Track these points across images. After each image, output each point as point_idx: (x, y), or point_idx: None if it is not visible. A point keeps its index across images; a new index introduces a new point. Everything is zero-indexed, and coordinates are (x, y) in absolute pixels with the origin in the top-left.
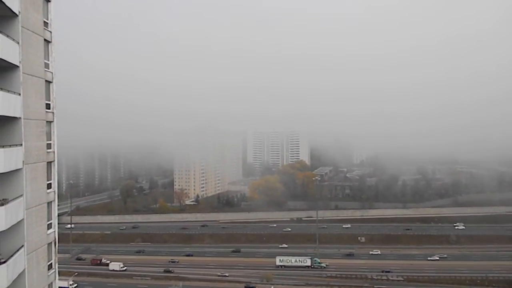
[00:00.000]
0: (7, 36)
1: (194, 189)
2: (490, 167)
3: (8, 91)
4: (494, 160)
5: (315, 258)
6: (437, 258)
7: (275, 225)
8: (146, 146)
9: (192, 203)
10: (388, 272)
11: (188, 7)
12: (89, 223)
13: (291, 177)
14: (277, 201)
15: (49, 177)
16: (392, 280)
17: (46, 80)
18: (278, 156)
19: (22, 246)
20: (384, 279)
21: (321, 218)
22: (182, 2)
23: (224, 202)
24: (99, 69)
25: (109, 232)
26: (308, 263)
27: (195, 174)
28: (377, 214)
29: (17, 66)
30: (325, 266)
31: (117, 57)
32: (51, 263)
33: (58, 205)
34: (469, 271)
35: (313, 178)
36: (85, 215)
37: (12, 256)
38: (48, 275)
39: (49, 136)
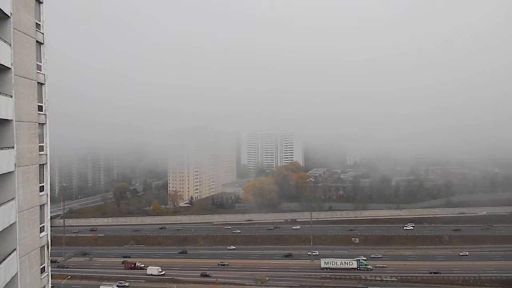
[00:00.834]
0: None
1: (188, 191)
2: (483, 168)
3: (0, 93)
4: (486, 161)
5: (362, 260)
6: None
7: (272, 227)
8: (140, 147)
9: (186, 205)
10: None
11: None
12: (83, 226)
13: (285, 179)
14: (271, 202)
15: (41, 180)
16: (386, 280)
17: (38, 82)
18: (272, 157)
19: (15, 249)
20: (378, 280)
21: (315, 219)
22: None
23: (218, 204)
24: (91, 71)
25: (102, 235)
26: (354, 265)
27: (189, 176)
28: (371, 215)
29: (9, 68)
30: (371, 268)
31: (111, 58)
32: (44, 267)
33: (50, 208)
34: (462, 271)
35: (307, 180)
36: (78, 217)
37: (4, 259)
38: (41, 279)
39: (41, 138)
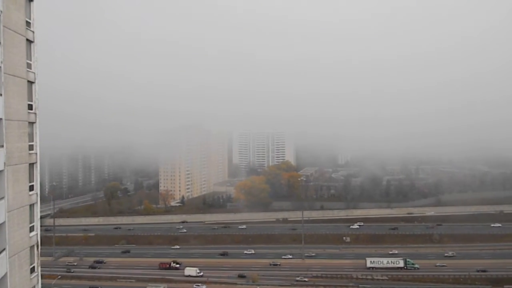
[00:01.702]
0: None
1: (180, 190)
2: (473, 167)
3: None
4: (476, 160)
5: (408, 259)
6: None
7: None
8: (131, 147)
9: (177, 204)
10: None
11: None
12: (73, 225)
13: (276, 178)
14: (262, 201)
15: (31, 179)
16: (377, 279)
17: (28, 81)
18: (264, 157)
19: (4, 249)
20: (369, 279)
21: (306, 219)
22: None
23: (210, 203)
24: (82, 69)
25: (93, 234)
26: (401, 264)
27: (180, 175)
28: (362, 214)
29: None
30: (418, 267)
31: (102, 56)
32: (34, 266)
33: (40, 208)
34: (452, 270)
35: (299, 179)
36: (68, 217)
37: None
38: (31, 279)
39: (31, 137)
